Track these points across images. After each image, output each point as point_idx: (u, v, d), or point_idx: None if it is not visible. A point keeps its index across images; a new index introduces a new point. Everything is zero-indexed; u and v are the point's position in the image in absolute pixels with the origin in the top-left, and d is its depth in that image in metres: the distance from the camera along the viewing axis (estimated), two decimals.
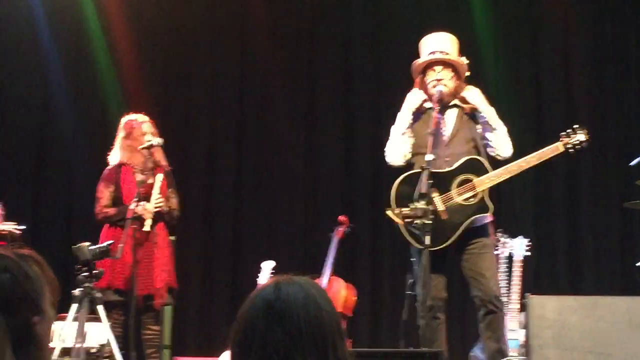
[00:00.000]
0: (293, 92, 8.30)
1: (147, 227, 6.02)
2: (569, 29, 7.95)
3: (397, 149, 5.56)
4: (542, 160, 5.43)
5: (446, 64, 5.49)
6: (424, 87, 5.54)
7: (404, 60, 5.85)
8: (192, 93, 8.42)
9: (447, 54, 5.50)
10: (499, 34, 7.95)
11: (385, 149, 5.59)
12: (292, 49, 8.35)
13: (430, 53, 5.53)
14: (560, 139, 5.41)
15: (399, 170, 5.55)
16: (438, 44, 5.54)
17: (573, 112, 7.74)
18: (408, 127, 5.52)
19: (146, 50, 8.38)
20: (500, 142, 5.46)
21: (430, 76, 5.48)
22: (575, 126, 5.43)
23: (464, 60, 5.55)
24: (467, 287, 5.57)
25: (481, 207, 5.34)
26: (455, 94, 5.54)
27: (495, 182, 5.37)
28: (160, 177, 6.19)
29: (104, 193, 6.26)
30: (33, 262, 1.85)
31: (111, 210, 6.19)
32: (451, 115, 5.54)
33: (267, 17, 8.34)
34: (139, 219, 5.99)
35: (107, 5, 8.32)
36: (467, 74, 5.56)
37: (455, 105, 5.56)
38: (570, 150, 5.42)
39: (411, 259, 5.35)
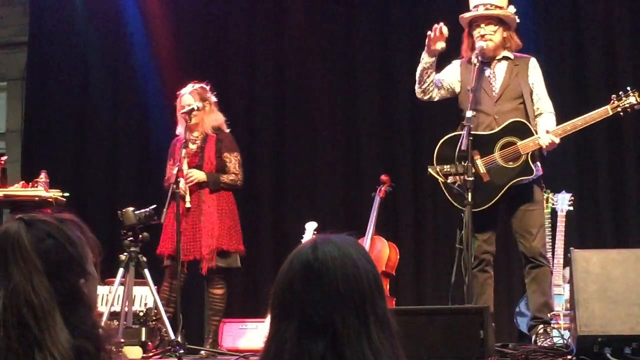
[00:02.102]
0: (331, 54, 8.27)
1: (187, 204, 6.09)
2: None
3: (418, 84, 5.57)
4: (588, 124, 5.36)
5: (491, 17, 5.43)
6: (471, 40, 5.48)
7: (444, 19, 5.75)
8: (230, 55, 8.43)
9: (491, 5, 5.42)
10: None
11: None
12: (329, 10, 8.32)
13: (474, 7, 5.47)
14: (611, 102, 5.31)
15: (441, 129, 5.53)
16: None
17: (615, 69, 7.61)
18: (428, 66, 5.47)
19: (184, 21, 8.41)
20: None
21: (476, 31, 5.44)
22: (627, 88, 5.34)
23: (512, 10, 5.47)
24: (512, 243, 5.57)
25: (524, 170, 5.30)
26: (504, 45, 5.47)
27: (539, 146, 5.31)
28: (183, 152, 6.20)
29: (168, 167, 6.40)
30: (73, 225, 1.89)
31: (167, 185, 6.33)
32: (500, 69, 5.48)
33: None
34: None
35: None
36: (517, 21, 5.49)
37: (505, 58, 5.50)
38: (620, 114, 5.34)
39: (462, 214, 5.33)
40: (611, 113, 5.31)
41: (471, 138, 5.08)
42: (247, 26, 8.43)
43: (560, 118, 5.44)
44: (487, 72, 5.46)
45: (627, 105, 5.30)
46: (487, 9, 5.43)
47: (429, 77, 5.52)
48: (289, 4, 8.35)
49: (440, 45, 5.41)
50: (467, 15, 5.48)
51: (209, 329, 6.30)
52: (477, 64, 5.33)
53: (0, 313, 1.75)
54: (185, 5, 8.45)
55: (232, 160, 6.36)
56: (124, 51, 8.50)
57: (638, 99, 5.31)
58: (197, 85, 6.39)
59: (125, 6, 8.40)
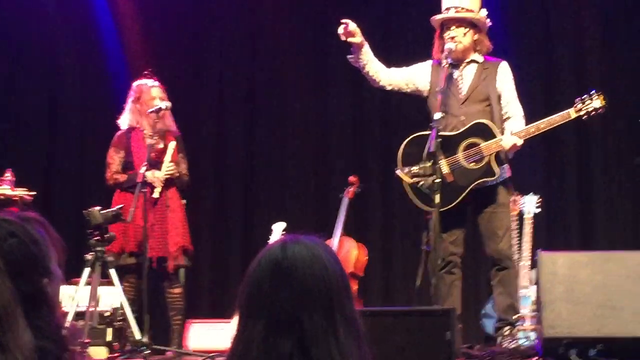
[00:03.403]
0: (303, 56, 8.25)
1: (156, 194, 6.07)
2: None
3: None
4: (552, 127, 5.36)
5: (461, 20, 5.43)
6: (442, 42, 5.48)
7: (415, 19, 5.77)
8: (202, 55, 8.39)
9: (462, 8, 5.42)
10: None
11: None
12: (302, 12, 8.30)
13: (445, 9, 5.47)
14: (574, 105, 5.30)
15: (410, 130, 5.55)
16: None
17: (584, 71, 7.67)
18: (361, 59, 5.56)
19: (154, 14, 8.35)
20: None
21: (447, 33, 5.44)
22: (591, 91, 5.32)
23: (483, 13, 5.47)
24: (479, 245, 5.58)
25: (487, 172, 5.30)
26: (474, 48, 5.47)
27: (502, 148, 5.31)
28: (173, 144, 6.22)
29: (114, 159, 6.29)
30: (37, 224, 1.86)
31: (121, 177, 6.21)
32: (469, 72, 5.47)
33: None
34: (149, 185, 6.02)
35: None
36: (489, 24, 5.50)
37: (474, 61, 5.50)
38: (584, 117, 5.32)
39: (427, 216, 5.33)
40: (574, 116, 5.29)
41: (439, 140, 5.08)
42: (219, 29, 8.38)
43: (530, 121, 5.45)
44: (456, 74, 5.47)
45: (591, 109, 5.28)
46: (457, 11, 5.43)
47: (369, 74, 5.61)
48: (262, 6, 8.31)
49: (358, 39, 5.49)
50: (438, 17, 5.49)
51: (173, 328, 6.26)
52: (446, 66, 5.34)
53: None
54: (156, 5, 8.38)
55: (185, 162, 6.36)
56: (93, 48, 8.40)
57: (602, 102, 5.30)
58: (156, 82, 6.36)
59: (96, 4, 8.32)
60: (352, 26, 5.45)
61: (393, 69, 5.64)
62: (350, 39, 5.48)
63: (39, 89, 8.48)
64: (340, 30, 5.46)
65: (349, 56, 5.60)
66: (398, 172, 5.40)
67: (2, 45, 8.60)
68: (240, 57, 8.35)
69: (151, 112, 6.14)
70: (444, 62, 5.35)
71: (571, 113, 5.29)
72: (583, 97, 5.31)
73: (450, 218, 5.26)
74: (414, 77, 5.58)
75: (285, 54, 8.24)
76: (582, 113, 5.29)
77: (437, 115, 5.13)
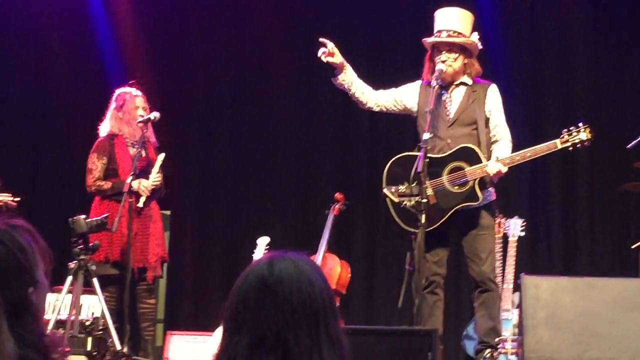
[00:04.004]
0: (290, 70, 8.25)
1: (140, 204, 6.02)
2: (568, 10, 7.89)
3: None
4: (537, 156, 5.37)
5: (452, 44, 5.44)
6: (432, 64, 5.48)
7: (404, 42, 5.75)
8: (188, 69, 8.38)
9: (454, 32, 5.42)
10: (499, 15, 7.89)
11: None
12: (290, 29, 8.32)
13: (437, 32, 5.47)
14: (561, 136, 5.31)
15: (398, 149, 5.55)
16: (446, 22, 5.44)
17: (571, 94, 7.72)
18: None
19: (144, 18, 8.33)
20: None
21: (437, 57, 5.43)
22: (579, 124, 5.33)
23: (474, 37, 5.47)
24: (462, 266, 5.59)
25: (470, 196, 5.30)
26: (464, 71, 5.47)
27: (486, 174, 5.31)
28: (162, 156, 6.19)
29: (96, 165, 6.19)
30: (25, 232, 1.85)
31: (105, 185, 6.14)
32: (457, 95, 5.47)
33: None
34: (135, 194, 5.99)
35: None
36: (480, 47, 5.49)
37: (463, 83, 5.50)
38: (570, 149, 5.33)
39: (412, 236, 5.32)
40: (560, 147, 5.29)
41: (427, 160, 5.09)
42: (205, 44, 8.37)
43: (516, 146, 5.46)
44: (444, 96, 5.47)
45: (577, 141, 5.27)
46: (449, 35, 5.42)
47: (355, 96, 5.61)
48: (250, 24, 8.32)
49: (337, 59, 5.49)
50: (429, 40, 5.49)
51: (145, 339, 6.22)
52: (436, 87, 5.35)
53: None
54: (148, 9, 8.35)
55: (163, 174, 6.33)
56: (82, 58, 8.38)
57: (589, 135, 5.30)
58: (139, 91, 6.33)
59: (88, 9, 8.28)
60: (330, 46, 5.45)
61: (381, 90, 5.65)
62: (329, 59, 5.47)
63: (25, 93, 8.44)
64: (320, 52, 5.46)
65: (332, 78, 5.60)
66: (385, 190, 5.41)
67: None
68: (227, 72, 8.33)
69: (141, 121, 6.11)
70: (434, 82, 5.36)
71: (557, 144, 5.30)
72: (570, 129, 5.31)
73: (434, 239, 5.26)
74: (402, 96, 5.59)
75: (272, 69, 8.24)
76: (568, 144, 5.29)
77: (426, 136, 5.14)
